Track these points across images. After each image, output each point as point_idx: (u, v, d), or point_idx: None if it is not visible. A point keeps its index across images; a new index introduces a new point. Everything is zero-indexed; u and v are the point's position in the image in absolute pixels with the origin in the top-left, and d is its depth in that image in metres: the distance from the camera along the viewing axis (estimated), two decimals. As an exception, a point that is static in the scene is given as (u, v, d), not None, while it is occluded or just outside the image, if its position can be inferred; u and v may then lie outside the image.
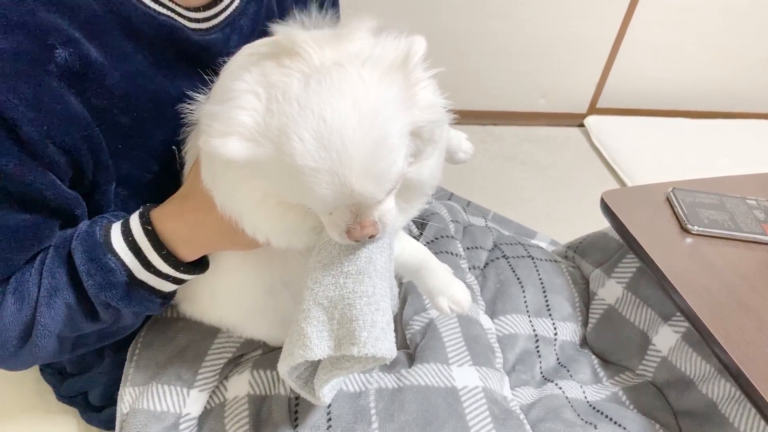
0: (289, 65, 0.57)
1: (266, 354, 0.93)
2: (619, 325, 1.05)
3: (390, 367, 0.90)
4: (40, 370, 1.04)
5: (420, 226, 1.20)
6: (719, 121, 2.68)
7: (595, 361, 1.07)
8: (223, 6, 0.79)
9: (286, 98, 0.55)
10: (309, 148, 0.54)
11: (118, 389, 0.89)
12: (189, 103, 0.69)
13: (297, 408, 0.83)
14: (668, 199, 1.06)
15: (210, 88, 0.69)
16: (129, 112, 0.73)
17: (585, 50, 2.52)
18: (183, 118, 0.71)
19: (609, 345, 1.07)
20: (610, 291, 1.08)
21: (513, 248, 1.18)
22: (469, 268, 1.12)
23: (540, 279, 1.11)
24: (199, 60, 0.76)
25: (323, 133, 0.53)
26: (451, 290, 0.79)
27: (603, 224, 1.14)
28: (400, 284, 1.09)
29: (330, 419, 0.80)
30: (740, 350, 0.80)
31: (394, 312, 0.72)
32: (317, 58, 0.56)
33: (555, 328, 1.06)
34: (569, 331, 1.08)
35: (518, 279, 1.10)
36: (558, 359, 1.05)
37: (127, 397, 0.87)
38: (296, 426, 0.81)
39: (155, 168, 0.79)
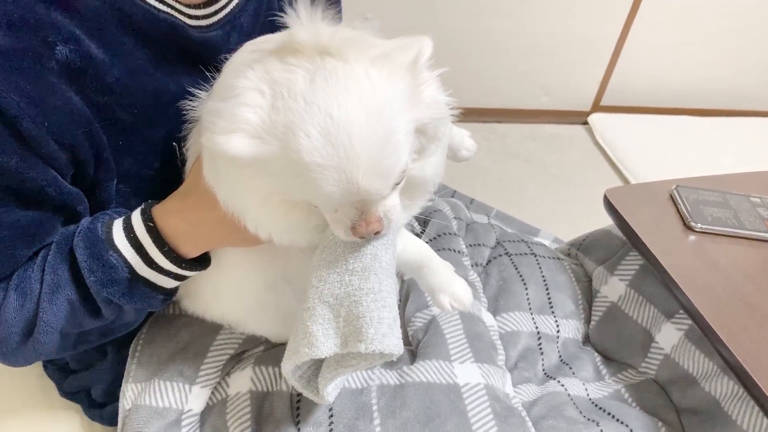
0: (294, 62, 0.57)
1: (268, 350, 0.93)
2: (622, 322, 1.05)
3: (392, 363, 0.90)
4: (44, 366, 1.04)
5: (423, 223, 1.20)
6: (723, 119, 2.67)
7: (598, 358, 1.07)
8: (223, 3, 0.79)
9: (292, 95, 0.55)
10: (316, 145, 0.53)
11: (120, 386, 0.89)
12: (190, 100, 0.69)
13: (299, 404, 0.83)
14: (672, 197, 1.05)
15: (211, 85, 0.69)
16: (129, 108, 0.73)
17: (589, 48, 2.52)
18: (184, 114, 0.71)
19: (612, 342, 1.07)
20: (612, 288, 1.08)
21: (516, 245, 1.17)
22: (472, 266, 1.12)
23: (543, 276, 1.11)
24: (199, 57, 0.76)
25: (330, 129, 0.53)
26: (452, 288, 0.80)
27: (606, 222, 1.14)
28: (402, 281, 1.09)
29: (332, 415, 0.80)
30: (743, 348, 0.80)
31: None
32: (317, 52, 0.56)
33: (557, 326, 1.06)
34: (572, 329, 1.08)
35: (521, 276, 1.10)
36: (560, 357, 1.05)
37: (130, 394, 0.88)
38: (298, 422, 0.81)
39: (156, 164, 0.79)
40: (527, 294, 1.08)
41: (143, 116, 0.75)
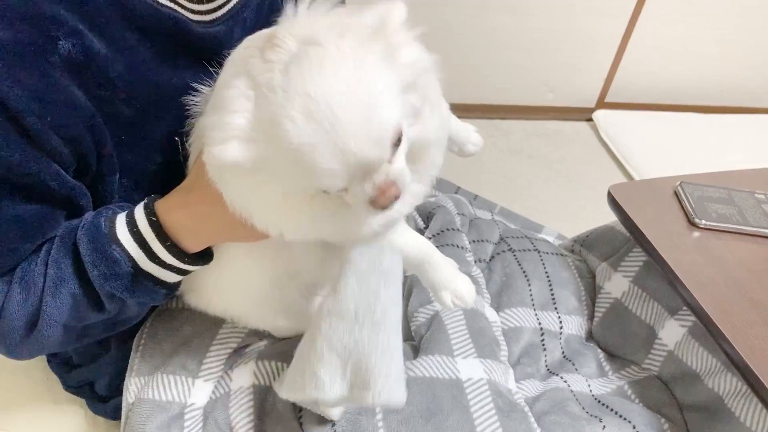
0: (272, 58, 0.57)
1: (271, 345, 0.93)
2: (626, 319, 1.05)
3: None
4: (47, 360, 1.05)
5: (426, 218, 1.20)
6: (728, 116, 2.66)
7: (601, 354, 1.07)
8: None
9: (271, 89, 0.55)
10: (301, 126, 0.54)
11: (123, 379, 0.90)
12: (192, 95, 0.69)
13: (301, 399, 0.83)
14: (676, 193, 1.05)
15: (214, 81, 0.69)
16: (132, 103, 0.73)
17: (594, 44, 2.51)
18: (187, 109, 0.71)
19: (615, 339, 1.06)
20: (616, 285, 1.08)
21: (519, 242, 1.17)
22: (475, 261, 1.12)
23: (546, 272, 1.10)
24: (202, 52, 0.76)
25: (311, 107, 0.54)
26: (454, 284, 0.78)
27: (610, 219, 1.14)
28: (405, 276, 1.09)
29: (334, 410, 0.81)
30: (747, 344, 0.80)
31: None
32: (292, 43, 0.57)
33: (561, 322, 1.06)
34: (575, 325, 1.08)
35: (524, 272, 1.10)
36: (563, 353, 1.05)
37: (133, 387, 0.88)
38: (300, 416, 0.81)
39: (159, 159, 0.79)
40: (530, 290, 1.08)
41: (146, 111, 0.75)
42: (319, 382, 0.67)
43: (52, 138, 0.65)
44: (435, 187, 1.41)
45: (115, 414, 0.98)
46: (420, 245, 0.79)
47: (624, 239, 1.11)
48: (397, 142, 0.58)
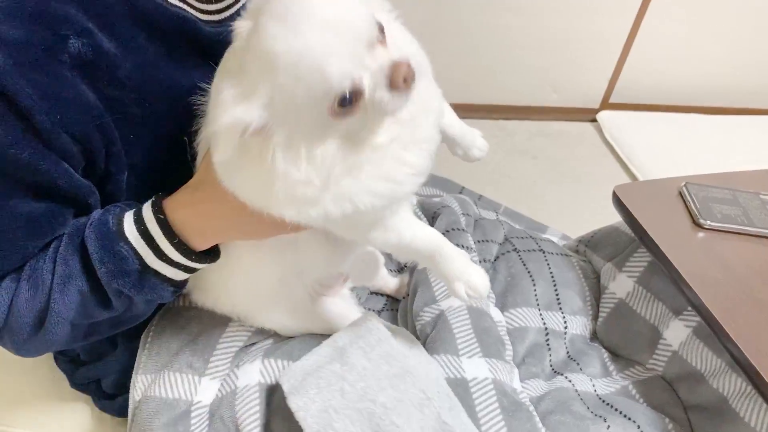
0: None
1: (277, 343, 0.94)
2: (630, 319, 1.05)
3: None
4: (54, 357, 1.05)
5: (431, 219, 1.20)
6: (733, 117, 2.66)
7: (605, 355, 1.07)
8: None
9: (248, 45, 0.60)
10: (282, 35, 0.56)
11: (130, 377, 0.90)
12: (201, 95, 0.69)
13: (307, 397, 0.83)
14: (681, 194, 1.05)
15: None
16: (141, 102, 0.74)
17: (598, 45, 2.51)
18: (195, 109, 0.71)
19: (619, 339, 1.07)
20: (621, 285, 1.08)
21: (524, 242, 1.17)
22: (480, 261, 1.12)
23: (551, 273, 1.11)
24: (211, 52, 0.77)
25: (286, 17, 0.56)
26: (467, 275, 0.77)
27: (614, 219, 1.14)
28: (410, 276, 1.09)
29: (339, 409, 0.81)
30: (752, 344, 0.80)
31: None
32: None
33: (565, 322, 1.06)
34: (579, 325, 1.08)
35: (529, 272, 1.10)
36: (568, 353, 1.05)
37: (140, 385, 0.88)
38: (306, 415, 0.81)
39: (167, 158, 0.79)
40: (535, 290, 1.08)
41: (154, 110, 0.75)
42: None
43: (62, 136, 0.66)
44: (440, 188, 1.42)
45: (121, 411, 0.99)
46: (430, 237, 0.78)
47: (628, 240, 1.11)
48: (382, 36, 0.60)
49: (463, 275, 0.77)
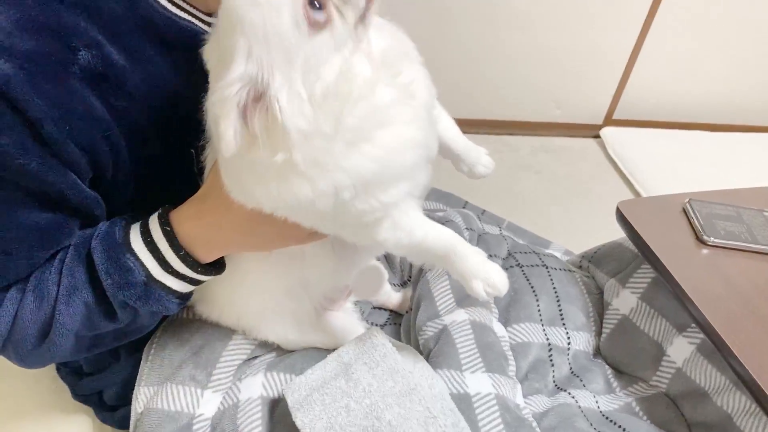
0: None
1: (280, 357, 0.93)
2: (633, 335, 1.05)
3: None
4: (57, 369, 1.05)
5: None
6: (736, 135, 2.66)
7: (609, 371, 1.06)
8: None
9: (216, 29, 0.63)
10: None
11: (132, 389, 0.90)
12: None
13: (310, 411, 0.83)
14: (684, 210, 1.05)
15: None
16: (148, 114, 0.74)
17: (601, 62, 2.52)
18: (202, 123, 0.72)
19: (623, 355, 1.06)
20: (624, 301, 1.07)
21: (527, 257, 1.17)
22: (483, 276, 1.12)
23: (554, 288, 1.11)
24: None
25: None
26: (485, 272, 0.76)
27: (616, 236, 1.14)
28: (414, 289, 1.09)
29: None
30: (756, 362, 0.80)
31: None
32: None
33: (568, 338, 1.06)
34: (583, 341, 1.08)
35: (532, 288, 1.10)
36: (571, 369, 1.04)
37: (142, 397, 0.88)
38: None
39: (173, 171, 0.80)
40: (538, 305, 1.08)
41: (161, 122, 0.76)
42: None
43: (70, 147, 0.66)
44: (443, 202, 1.42)
45: (123, 423, 0.98)
46: (442, 235, 0.76)
47: (632, 255, 1.11)
48: None
49: (480, 273, 0.76)
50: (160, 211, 0.74)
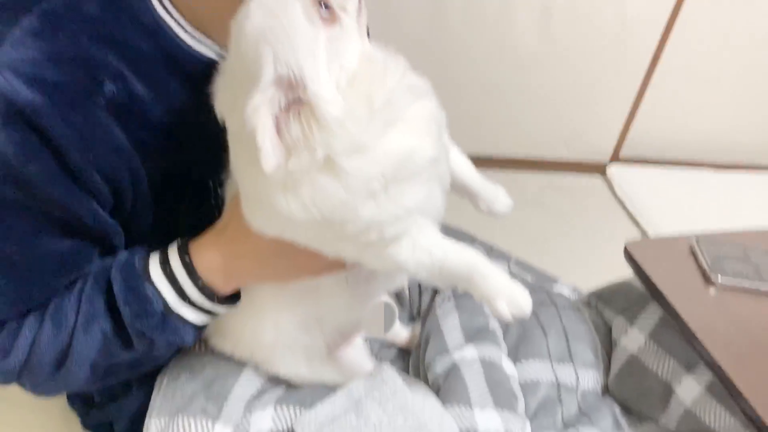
0: None
1: (290, 390, 0.94)
2: (642, 374, 1.05)
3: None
4: (67, 398, 1.06)
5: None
6: (743, 174, 2.67)
7: (617, 409, 1.06)
8: None
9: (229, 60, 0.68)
10: (243, 13, 0.63)
11: (143, 420, 0.90)
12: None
13: (319, 445, 0.83)
14: (692, 250, 1.06)
15: None
16: (170, 145, 0.76)
17: (608, 100, 2.54)
18: (222, 155, 0.74)
19: (631, 394, 1.06)
20: (632, 339, 1.08)
21: (536, 294, 1.17)
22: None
23: (562, 325, 1.11)
24: None
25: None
26: (509, 292, 0.74)
27: (624, 273, 1.14)
28: (422, 325, 1.09)
29: (353, 459, 0.81)
30: (764, 402, 0.80)
31: None
32: None
33: (577, 376, 1.06)
34: (591, 379, 1.07)
35: (541, 325, 1.10)
36: (580, 407, 1.04)
37: (153, 429, 0.88)
38: (318, 463, 0.81)
39: (192, 202, 0.82)
40: (547, 342, 1.08)
41: (182, 154, 0.78)
42: None
43: (94, 175, 0.68)
44: (451, 237, 1.43)
45: (132, 455, 0.99)
46: (463, 254, 0.75)
47: (640, 294, 1.12)
48: None
49: (504, 292, 0.74)
50: (180, 241, 0.76)
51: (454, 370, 0.96)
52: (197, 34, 0.76)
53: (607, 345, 1.13)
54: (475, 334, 1.02)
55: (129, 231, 0.78)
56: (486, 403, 0.91)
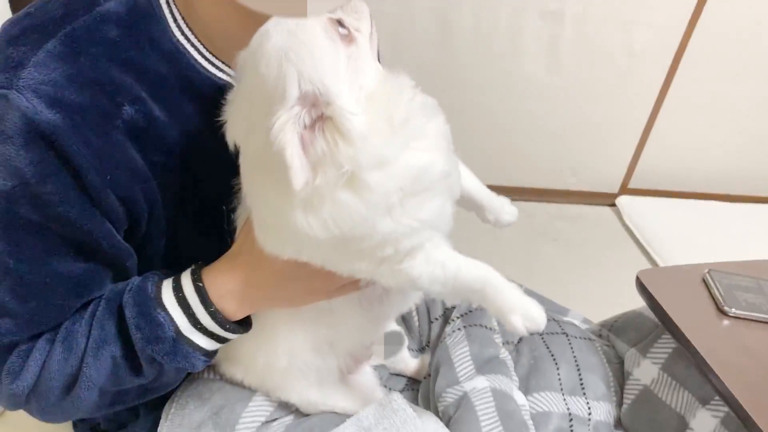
0: None
1: (298, 419, 0.93)
2: (655, 407, 1.03)
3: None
4: (74, 425, 1.05)
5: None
6: (753, 206, 2.66)
7: (631, 442, 1.04)
8: None
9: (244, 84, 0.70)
10: (258, 38, 0.64)
11: (151, 448, 0.90)
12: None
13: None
14: (704, 281, 1.05)
15: None
16: (185, 169, 0.77)
17: (617, 131, 2.56)
18: (236, 179, 0.74)
19: (644, 427, 1.04)
20: (645, 371, 1.06)
21: (547, 325, 1.17)
22: (503, 343, 1.12)
23: (574, 356, 1.10)
24: None
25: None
26: (524, 306, 0.74)
27: (635, 304, 1.13)
28: (432, 355, 1.09)
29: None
30: (782, 437, 0.78)
31: None
32: None
33: (589, 408, 1.05)
34: (603, 411, 1.06)
35: (552, 356, 1.09)
36: (592, 440, 1.03)
37: (160, 457, 0.88)
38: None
39: (206, 226, 0.82)
40: (559, 374, 1.07)
41: (197, 178, 0.78)
42: None
43: (110, 196, 0.69)
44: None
45: (139, 483, 0.98)
46: (477, 269, 0.75)
47: (653, 325, 1.11)
48: None
49: (518, 306, 0.74)
50: (193, 266, 0.76)
51: (465, 401, 0.95)
52: (214, 58, 0.77)
53: (619, 376, 1.12)
54: (486, 364, 1.01)
55: (142, 255, 0.79)
56: (497, 434, 0.90)
